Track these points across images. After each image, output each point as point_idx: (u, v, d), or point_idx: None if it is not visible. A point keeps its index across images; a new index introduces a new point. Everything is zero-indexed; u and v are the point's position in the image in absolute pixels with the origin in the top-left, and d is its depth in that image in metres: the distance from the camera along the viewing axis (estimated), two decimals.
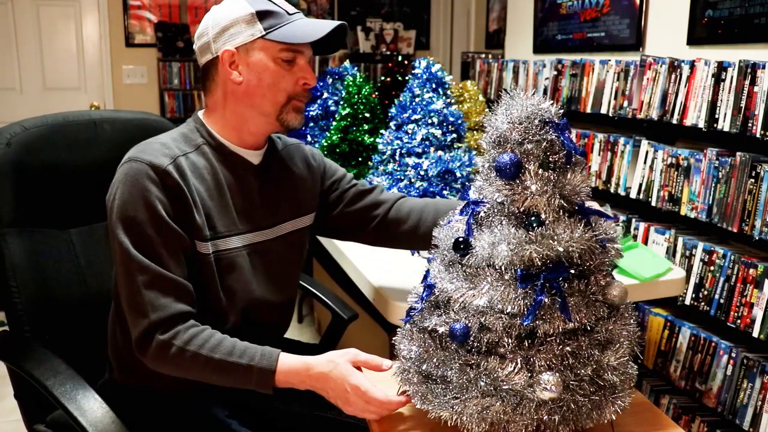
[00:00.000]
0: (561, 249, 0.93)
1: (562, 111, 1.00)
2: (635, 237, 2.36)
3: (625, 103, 2.47)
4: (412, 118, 2.23)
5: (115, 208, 1.20)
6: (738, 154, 1.95)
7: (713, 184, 2.03)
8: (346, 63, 3.03)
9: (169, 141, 1.28)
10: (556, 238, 0.94)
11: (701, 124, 2.08)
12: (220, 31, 1.29)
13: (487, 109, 2.57)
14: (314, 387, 1.17)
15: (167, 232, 1.20)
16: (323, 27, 1.29)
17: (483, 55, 4.08)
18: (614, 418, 1.00)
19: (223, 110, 1.33)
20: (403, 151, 2.21)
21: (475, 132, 2.55)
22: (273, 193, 1.39)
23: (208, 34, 1.31)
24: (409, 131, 2.22)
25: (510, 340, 0.95)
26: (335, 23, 1.30)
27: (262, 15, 1.27)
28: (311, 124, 2.99)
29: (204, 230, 1.25)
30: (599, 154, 2.58)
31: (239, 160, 1.34)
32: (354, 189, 1.53)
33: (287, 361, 1.17)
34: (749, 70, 1.90)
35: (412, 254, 1.85)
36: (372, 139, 2.45)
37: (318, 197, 1.49)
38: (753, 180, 1.89)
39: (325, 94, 2.96)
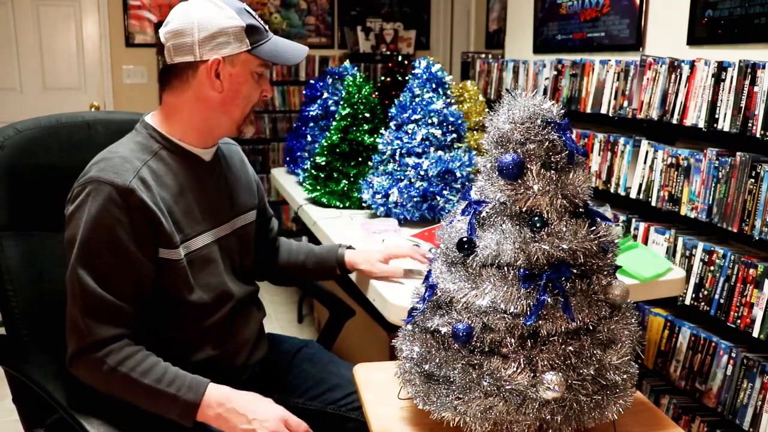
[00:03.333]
0: (566, 248, 0.94)
1: (563, 111, 1.00)
2: (635, 237, 2.37)
3: (625, 103, 2.47)
4: (412, 118, 2.23)
5: (76, 227, 1.21)
6: (738, 154, 1.95)
7: (713, 184, 2.03)
8: (346, 63, 3.03)
9: (128, 153, 1.28)
10: (561, 237, 0.94)
11: (701, 124, 2.08)
12: (208, 37, 1.27)
13: (487, 109, 2.58)
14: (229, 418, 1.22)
15: (124, 258, 1.21)
16: (299, 51, 1.39)
17: (483, 55, 4.08)
18: (616, 418, 1.00)
19: (189, 113, 1.33)
20: (403, 151, 2.21)
21: (475, 132, 2.55)
22: (224, 187, 1.45)
23: (192, 35, 1.27)
24: (409, 131, 2.22)
25: (513, 340, 0.95)
26: (306, 49, 1.41)
27: (249, 30, 1.31)
28: (311, 124, 2.99)
29: (174, 237, 1.26)
30: (599, 154, 2.58)
31: (194, 158, 1.37)
32: (268, 212, 1.65)
33: (213, 392, 1.22)
34: (749, 70, 1.91)
35: None
36: (372, 139, 2.46)
37: (257, 198, 1.56)
38: (753, 180, 1.90)
39: (325, 94, 2.96)
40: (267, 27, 1.38)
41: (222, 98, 1.32)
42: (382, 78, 3.03)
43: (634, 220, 2.40)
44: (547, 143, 0.97)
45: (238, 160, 1.54)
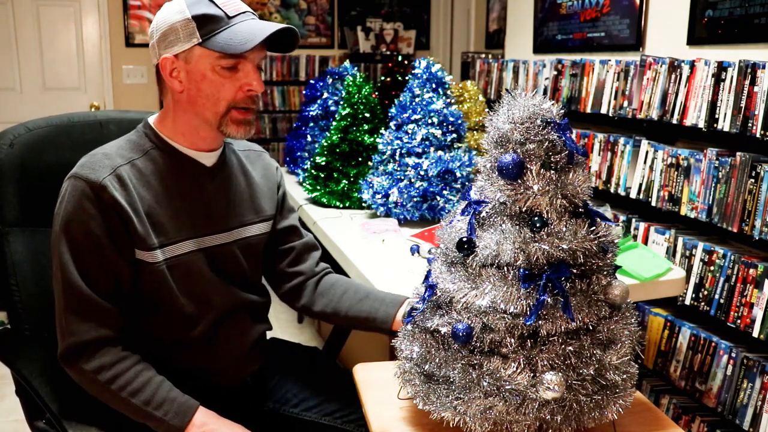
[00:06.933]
0: (566, 248, 0.94)
1: (563, 111, 1.00)
2: (635, 237, 2.37)
3: (625, 103, 2.47)
4: (412, 118, 2.23)
5: (58, 224, 1.21)
6: (738, 154, 1.95)
7: (713, 184, 2.03)
8: (346, 63, 3.03)
9: (114, 150, 1.26)
10: (561, 237, 0.94)
11: (701, 124, 2.08)
12: (161, 37, 1.24)
13: (487, 109, 2.58)
14: None
15: (101, 253, 1.20)
16: (260, 33, 1.21)
17: (483, 55, 4.08)
18: (616, 418, 1.00)
19: (173, 115, 1.30)
20: (403, 151, 2.21)
21: (475, 132, 2.55)
22: (228, 194, 1.37)
23: (153, 38, 1.27)
24: (409, 131, 2.22)
25: (513, 340, 0.95)
26: (275, 27, 1.22)
27: (200, 20, 1.20)
28: (311, 124, 2.99)
29: (149, 239, 1.23)
30: (599, 154, 2.58)
31: (190, 162, 1.31)
32: (295, 229, 1.52)
33: (198, 419, 1.21)
34: (749, 70, 1.91)
35: (412, 254, 1.85)
36: (372, 139, 2.46)
37: (275, 209, 1.47)
38: (753, 180, 1.90)
39: (325, 94, 2.97)
40: (238, 11, 1.24)
41: (186, 98, 1.26)
42: (382, 78, 3.03)
43: (634, 220, 2.40)
44: (547, 143, 0.96)
45: (261, 167, 1.47)
